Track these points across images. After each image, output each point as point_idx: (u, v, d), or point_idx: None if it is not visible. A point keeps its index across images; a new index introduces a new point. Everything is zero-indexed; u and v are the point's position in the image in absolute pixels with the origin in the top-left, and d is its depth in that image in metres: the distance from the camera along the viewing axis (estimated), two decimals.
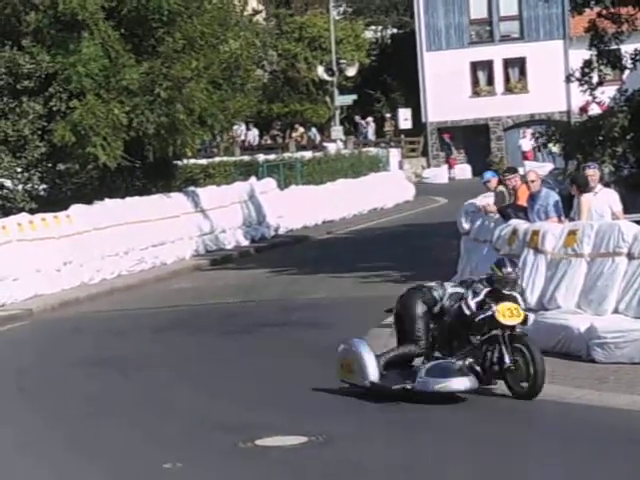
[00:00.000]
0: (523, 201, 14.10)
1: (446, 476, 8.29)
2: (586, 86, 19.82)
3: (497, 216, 14.35)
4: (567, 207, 13.67)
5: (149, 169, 24.87)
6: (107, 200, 22.53)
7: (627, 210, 14.00)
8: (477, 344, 10.32)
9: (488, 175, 15.41)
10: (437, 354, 10.53)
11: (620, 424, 9.41)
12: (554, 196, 13.78)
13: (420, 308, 10.59)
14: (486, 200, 15.11)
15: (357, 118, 50.81)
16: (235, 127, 39.00)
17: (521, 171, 16.01)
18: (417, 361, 10.73)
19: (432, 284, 10.83)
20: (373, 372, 10.53)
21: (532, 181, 13.77)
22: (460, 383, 10.09)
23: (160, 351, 14.19)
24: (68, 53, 22.49)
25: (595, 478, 8.02)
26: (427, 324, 10.55)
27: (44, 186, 23.90)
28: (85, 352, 14.31)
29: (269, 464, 8.81)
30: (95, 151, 22.37)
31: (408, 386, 10.25)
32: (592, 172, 13.53)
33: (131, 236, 22.18)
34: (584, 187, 13.27)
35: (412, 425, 9.77)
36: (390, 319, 15.01)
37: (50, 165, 23.86)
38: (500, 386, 10.80)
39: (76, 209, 21.30)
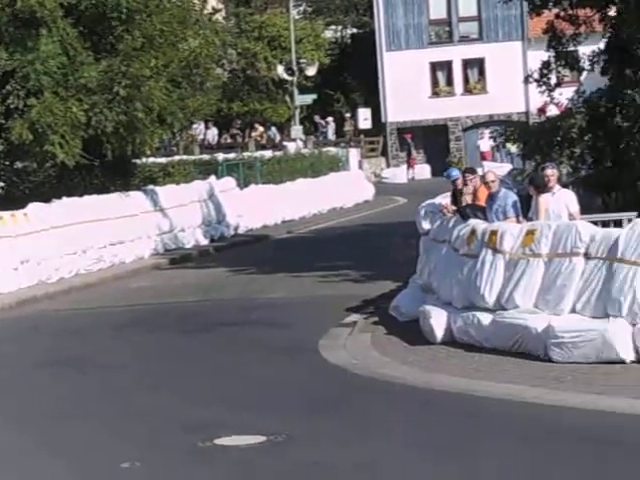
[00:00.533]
0: (482, 201, 14.18)
1: (407, 476, 8.32)
2: (544, 87, 19.92)
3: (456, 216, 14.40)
4: (525, 207, 13.75)
5: (108, 167, 24.74)
6: (65, 198, 22.39)
7: (584, 211, 14.11)
8: None
9: (457, 173, 15.43)
10: None
11: (576, 423, 9.49)
12: (512, 196, 13.86)
13: None
14: (447, 200, 15.16)
15: (317, 118, 50.84)
16: (194, 126, 38.88)
17: (480, 171, 16.07)
18: None
19: None
20: None
21: (492, 181, 13.86)
22: None
23: (119, 350, 14.13)
24: (26, 51, 22.30)
25: (551, 477, 8.08)
26: None
27: (1, 184, 23.72)
28: (44, 351, 14.23)
29: (228, 464, 8.80)
30: (53, 149, 22.22)
31: None
32: (551, 172, 13.62)
33: (89, 235, 22.07)
34: (542, 187, 13.37)
35: (376, 425, 9.79)
36: (350, 318, 15.12)
37: (7, 163, 23.69)
38: (457, 384, 10.87)
39: (34, 207, 21.16)
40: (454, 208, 14.54)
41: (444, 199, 15.41)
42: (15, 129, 22.17)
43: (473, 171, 15.12)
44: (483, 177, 14.50)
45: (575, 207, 13.49)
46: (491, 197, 13.84)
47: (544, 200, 13.25)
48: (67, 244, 21.31)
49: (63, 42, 22.52)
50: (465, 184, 14.64)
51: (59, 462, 9.12)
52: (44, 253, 20.61)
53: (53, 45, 22.32)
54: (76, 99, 22.52)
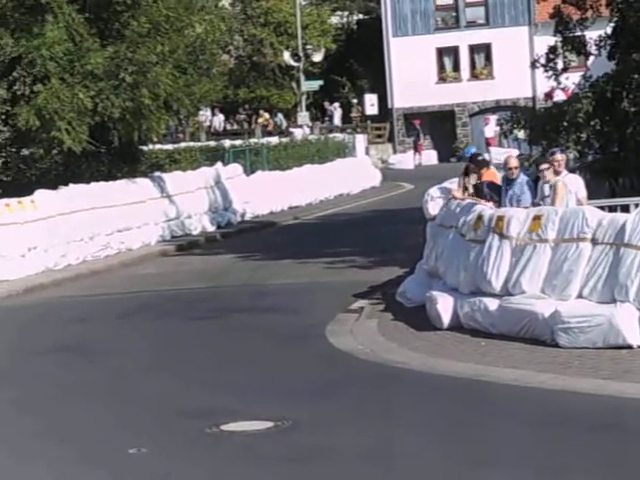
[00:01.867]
0: (489, 178, 14.31)
1: (413, 462, 8.32)
2: (551, 72, 19.88)
3: (466, 202, 14.36)
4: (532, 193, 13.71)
5: (114, 154, 24.75)
6: (72, 185, 22.41)
7: (591, 196, 14.08)
8: None
9: (473, 149, 15.46)
10: None
11: (583, 408, 9.48)
12: (526, 180, 13.78)
13: None
14: (454, 185, 15.14)
15: (326, 104, 50.80)
16: (201, 112, 38.90)
17: (486, 157, 16.06)
18: None
19: None
20: None
21: (515, 167, 13.76)
22: None
23: (126, 336, 14.15)
24: (32, 37, 22.30)
25: (558, 462, 8.08)
26: None
27: (8, 171, 23.74)
28: (50, 338, 14.24)
29: (234, 449, 8.81)
30: (60, 135, 22.23)
31: None
32: (560, 157, 13.58)
33: (96, 221, 22.08)
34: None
35: (382, 411, 9.79)
36: (357, 304, 15.13)
37: (14, 150, 23.69)
38: (463, 370, 10.87)
39: (41, 194, 21.17)
40: (468, 193, 14.52)
41: (452, 184, 15.38)
42: (22, 115, 22.18)
43: (484, 164, 15.03)
44: (486, 163, 14.54)
45: (583, 192, 13.46)
46: (508, 182, 13.79)
47: (563, 184, 13.16)
48: (74, 231, 21.32)
49: (69, 28, 22.51)
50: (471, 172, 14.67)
51: (66, 448, 9.13)
52: (51, 240, 20.63)
53: (59, 31, 22.31)
54: (82, 85, 22.52)
